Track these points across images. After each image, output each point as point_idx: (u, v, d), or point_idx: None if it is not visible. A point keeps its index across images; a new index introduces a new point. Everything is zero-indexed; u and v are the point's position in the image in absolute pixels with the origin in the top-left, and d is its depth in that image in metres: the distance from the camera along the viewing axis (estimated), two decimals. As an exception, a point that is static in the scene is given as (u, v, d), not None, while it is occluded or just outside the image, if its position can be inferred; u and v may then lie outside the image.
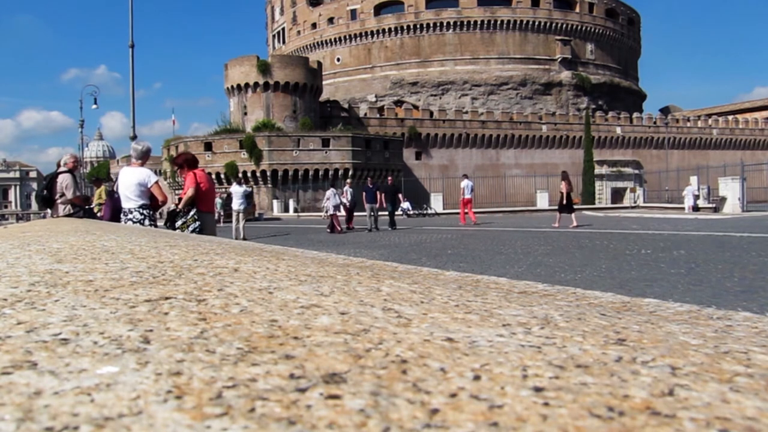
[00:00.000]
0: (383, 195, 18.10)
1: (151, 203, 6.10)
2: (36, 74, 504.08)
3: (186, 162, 6.38)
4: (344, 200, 18.62)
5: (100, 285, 1.00)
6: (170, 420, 0.39)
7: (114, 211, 6.34)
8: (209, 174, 8.12)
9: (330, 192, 18.14)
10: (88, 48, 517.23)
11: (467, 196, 18.93)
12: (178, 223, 5.97)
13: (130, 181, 5.98)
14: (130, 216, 5.94)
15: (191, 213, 6.02)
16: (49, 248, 1.81)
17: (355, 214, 19.60)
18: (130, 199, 5.95)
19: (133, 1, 20.27)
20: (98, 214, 9.80)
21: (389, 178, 17.76)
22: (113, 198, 6.42)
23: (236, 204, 15.86)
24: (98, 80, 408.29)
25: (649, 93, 76.40)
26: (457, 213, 21.50)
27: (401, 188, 27.36)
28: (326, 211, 17.83)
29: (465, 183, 18.97)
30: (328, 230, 17.46)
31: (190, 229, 5.93)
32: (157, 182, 6.09)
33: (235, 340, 0.60)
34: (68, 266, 1.29)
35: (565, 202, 15.74)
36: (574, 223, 15.13)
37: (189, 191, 6.06)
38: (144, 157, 6.29)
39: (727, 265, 7.39)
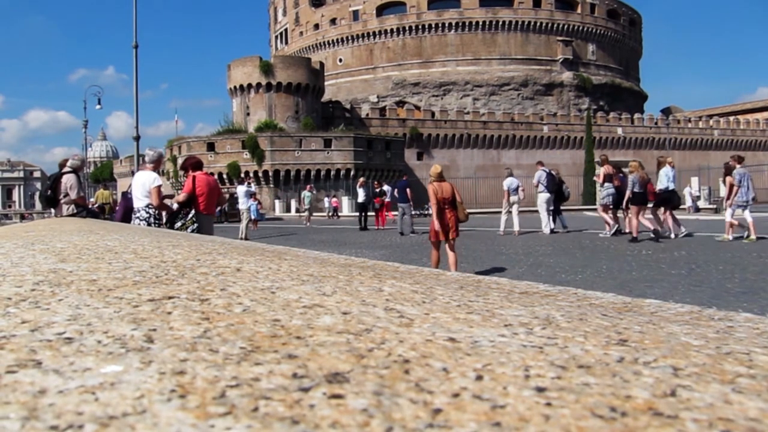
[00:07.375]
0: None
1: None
2: (44, 75, 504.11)
3: (190, 166, 6.79)
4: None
5: (103, 284, 1.00)
6: (174, 419, 0.39)
7: (126, 211, 6.82)
8: (212, 175, 8.31)
9: (387, 189, 18.96)
10: (97, 49, 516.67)
11: (388, 199, 22.71)
12: (178, 224, 6.20)
13: (138, 182, 6.54)
14: (138, 214, 6.47)
15: (190, 215, 6.27)
16: (52, 248, 1.82)
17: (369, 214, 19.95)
18: (139, 199, 6.49)
19: (138, 4, 20.25)
20: (103, 216, 9.94)
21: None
22: (126, 198, 6.83)
23: (242, 203, 16.42)
24: (106, 81, 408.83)
25: (650, 94, 76.36)
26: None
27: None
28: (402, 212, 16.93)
29: (386, 188, 22.49)
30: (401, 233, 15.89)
31: (189, 230, 6.13)
32: (158, 186, 6.41)
33: (238, 339, 0.60)
34: (72, 266, 1.29)
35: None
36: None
37: (181, 196, 6.52)
38: (155, 161, 6.70)
39: (727, 266, 7.38)
